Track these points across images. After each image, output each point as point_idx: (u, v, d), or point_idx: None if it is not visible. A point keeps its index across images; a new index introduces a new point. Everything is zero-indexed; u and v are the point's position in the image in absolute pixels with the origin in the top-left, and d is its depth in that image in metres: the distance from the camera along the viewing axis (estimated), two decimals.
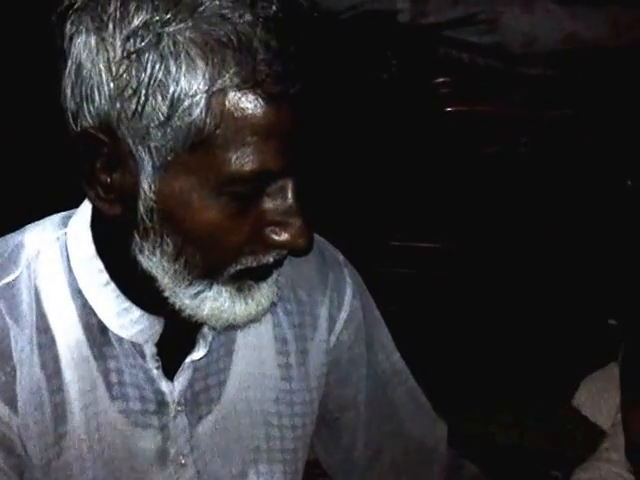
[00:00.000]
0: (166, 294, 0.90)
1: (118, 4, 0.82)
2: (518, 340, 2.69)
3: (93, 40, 0.83)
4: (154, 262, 0.88)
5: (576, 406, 2.08)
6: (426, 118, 2.79)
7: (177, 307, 0.90)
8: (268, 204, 0.87)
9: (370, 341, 1.16)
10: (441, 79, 2.83)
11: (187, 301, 0.90)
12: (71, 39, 0.85)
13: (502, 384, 2.59)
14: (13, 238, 0.99)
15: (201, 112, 0.81)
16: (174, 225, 0.86)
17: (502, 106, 2.83)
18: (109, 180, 0.87)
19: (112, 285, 0.95)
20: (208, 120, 0.81)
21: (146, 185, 0.85)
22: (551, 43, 2.81)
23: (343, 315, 1.12)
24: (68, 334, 0.95)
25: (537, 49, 2.82)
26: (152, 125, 0.82)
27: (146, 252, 0.88)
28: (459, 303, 2.77)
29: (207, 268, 0.88)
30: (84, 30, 0.84)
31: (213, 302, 0.89)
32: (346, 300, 1.12)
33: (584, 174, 2.78)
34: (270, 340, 1.07)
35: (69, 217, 0.99)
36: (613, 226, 2.73)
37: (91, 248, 0.95)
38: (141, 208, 0.86)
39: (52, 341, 0.94)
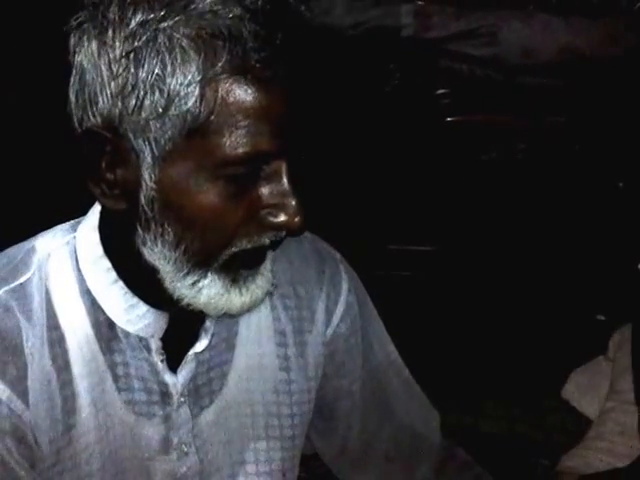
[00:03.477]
0: (167, 284, 0.90)
1: (117, 9, 0.84)
2: (508, 334, 2.68)
3: (94, 45, 0.85)
4: (156, 252, 0.89)
5: (565, 397, 2.08)
6: (428, 127, 2.80)
7: (176, 297, 0.91)
8: (263, 188, 0.88)
9: (365, 333, 1.16)
10: (442, 90, 2.83)
11: (185, 290, 0.90)
12: (75, 49, 0.87)
13: (492, 376, 2.59)
14: (25, 244, 1.00)
15: (196, 100, 0.82)
16: (174, 212, 0.87)
17: (500, 115, 2.83)
18: (113, 177, 0.88)
19: (120, 283, 0.96)
20: (202, 107, 0.82)
21: (147, 176, 0.86)
22: (548, 54, 2.80)
23: (339, 309, 1.12)
24: (77, 331, 0.96)
25: (534, 60, 2.82)
26: (151, 118, 0.83)
27: (148, 243, 0.89)
28: (452, 302, 2.77)
29: (204, 254, 0.89)
30: (86, 39, 0.86)
31: (209, 290, 0.90)
32: (342, 294, 1.12)
33: (578, 178, 2.78)
34: (270, 334, 1.08)
35: (78, 223, 1.01)
36: (605, 226, 2.72)
37: (99, 249, 0.96)
38: (142, 199, 0.87)
39: (62, 337, 0.95)
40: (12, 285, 0.95)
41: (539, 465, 2.14)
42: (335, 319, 1.12)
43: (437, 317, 2.73)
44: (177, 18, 0.82)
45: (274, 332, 1.08)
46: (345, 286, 1.13)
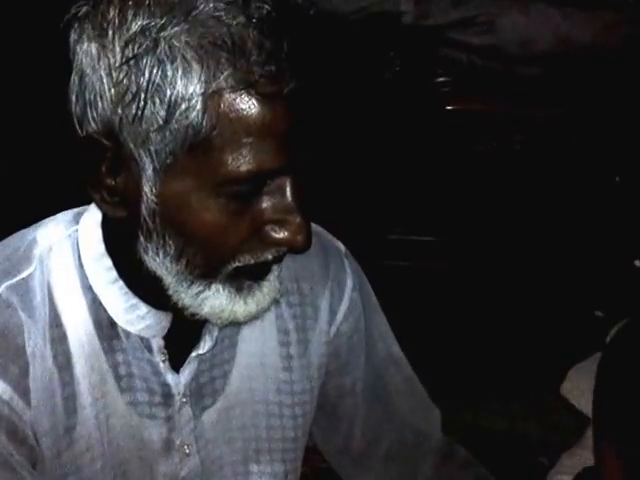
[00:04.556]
0: (170, 292, 0.89)
1: (117, 11, 0.81)
2: (508, 331, 2.69)
3: (94, 47, 0.83)
4: (158, 262, 0.87)
5: (563, 395, 2.08)
6: (426, 116, 2.79)
7: (180, 306, 0.90)
8: (267, 202, 0.85)
9: (369, 331, 1.15)
10: (441, 79, 2.83)
11: (188, 300, 0.89)
12: (75, 48, 0.85)
13: (491, 373, 2.60)
14: (27, 235, 0.98)
15: (198, 114, 0.80)
16: (175, 226, 0.85)
17: (499, 105, 2.83)
18: (113, 183, 0.86)
19: (120, 282, 0.94)
20: (205, 122, 0.80)
21: (147, 188, 0.84)
22: (546, 44, 2.81)
23: (343, 306, 1.11)
24: (79, 329, 0.94)
25: (533, 50, 2.83)
26: (151, 129, 0.81)
27: (150, 253, 0.87)
28: (453, 295, 2.77)
29: (207, 268, 0.87)
30: (86, 38, 0.83)
31: (213, 301, 0.88)
32: (346, 292, 1.11)
33: (576, 170, 2.79)
34: (273, 332, 1.06)
35: (81, 214, 0.98)
36: (602, 220, 2.73)
37: (100, 246, 0.94)
38: (144, 211, 0.85)
39: (64, 335, 0.93)
40: (14, 280, 0.93)
41: (538, 463, 2.14)
42: (339, 317, 1.11)
43: (436, 313, 2.74)
44: (178, 27, 0.79)
45: (277, 330, 1.06)
46: (350, 283, 1.11)
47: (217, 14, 0.79)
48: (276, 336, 1.06)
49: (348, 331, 1.12)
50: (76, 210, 1.00)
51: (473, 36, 2.84)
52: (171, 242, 0.86)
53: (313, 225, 1.08)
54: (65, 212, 1.00)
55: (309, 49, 0.83)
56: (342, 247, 1.14)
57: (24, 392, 0.90)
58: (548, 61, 2.82)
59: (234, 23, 0.79)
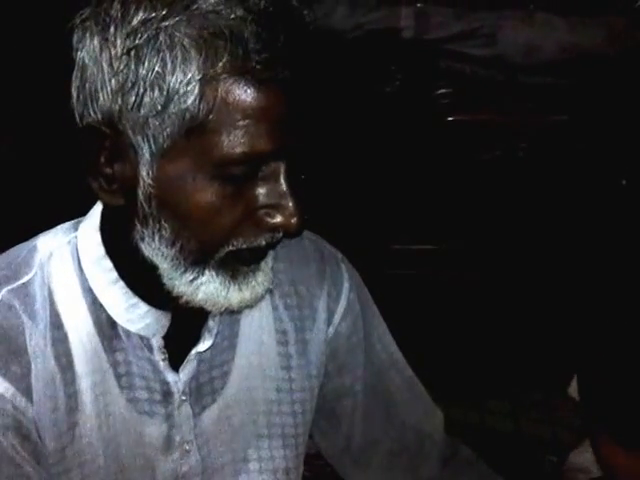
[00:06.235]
0: (165, 281, 0.91)
1: (119, 7, 0.85)
2: (514, 331, 2.68)
3: (96, 41, 0.86)
4: (153, 248, 0.90)
5: (572, 395, 2.07)
6: (429, 127, 2.80)
7: (175, 294, 0.92)
8: (261, 188, 0.88)
9: (368, 332, 1.17)
10: (443, 90, 2.84)
11: (183, 287, 0.91)
12: (77, 45, 0.88)
13: (498, 373, 2.59)
14: (27, 244, 1.01)
15: (195, 99, 0.83)
16: (171, 209, 0.88)
17: (502, 114, 2.84)
18: (111, 172, 0.89)
19: (121, 282, 0.96)
20: (202, 106, 0.83)
21: (144, 172, 0.87)
22: (550, 53, 2.81)
23: (341, 307, 1.13)
24: (80, 329, 0.97)
25: (536, 59, 2.83)
26: (150, 115, 0.84)
27: (146, 239, 0.90)
28: (456, 300, 2.77)
29: (200, 252, 0.89)
30: (89, 35, 0.87)
31: (207, 287, 0.91)
32: (343, 293, 1.13)
33: (581, 176, 2.78)
34: (271, 332, 1.08)
35: (79, 222, 1.02)
36: (609, 224, 2.72)
37: (100, 249, 0.97)
38: (140, 195, 0.88)
39: (65, 336, 0.96)
40: (15, 285, 0.96)
41: (547, 462, 2.13)
42: (336, 317, 1.13)
43: (441, 315, 2.73)
44: (178, 18, 0.83)
45: (275, 331, 1.09)
46: (346, 284, 1.14)
47: (216, 8, 0.83)
48: (275, 337, 1.08)
49: (346, 332, 1.14)
50: (74, 220, 1.03)
51: (475, 48, 2.84)
52: (166, 225, 0.88)
53: (310, 233, 1.11)
54: (64, 223, 1.04)
55: (304, 41, 0.86)
56: (339, 254, 1.16)
57: (26, 391, 0.93)
58: (552, 69, 2.83)
59: (232, 16, 0.83)
